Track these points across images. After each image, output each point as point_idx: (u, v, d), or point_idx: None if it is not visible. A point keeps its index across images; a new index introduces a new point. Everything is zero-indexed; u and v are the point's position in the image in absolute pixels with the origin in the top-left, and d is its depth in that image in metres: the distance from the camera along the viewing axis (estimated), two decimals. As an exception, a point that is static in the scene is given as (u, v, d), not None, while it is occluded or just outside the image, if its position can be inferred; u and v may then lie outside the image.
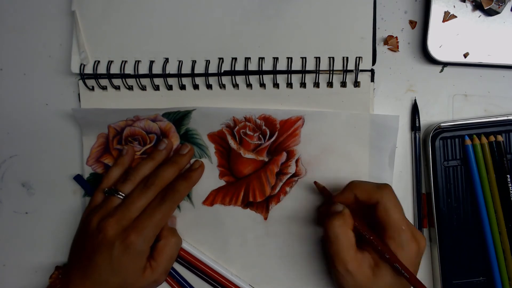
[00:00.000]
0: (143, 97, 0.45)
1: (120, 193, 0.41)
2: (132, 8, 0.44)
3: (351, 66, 0.42)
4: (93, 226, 0.39)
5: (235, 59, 0.44)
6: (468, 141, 0.43)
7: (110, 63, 0.44)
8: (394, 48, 0.45)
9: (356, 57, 0.42)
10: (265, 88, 0.44)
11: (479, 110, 0.45)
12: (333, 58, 0.43)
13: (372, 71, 0.43)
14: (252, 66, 0.43)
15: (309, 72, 0.43)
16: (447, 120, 0.44)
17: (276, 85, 0.44)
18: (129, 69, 0.44)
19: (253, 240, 0.45)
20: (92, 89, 0.45)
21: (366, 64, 0.42)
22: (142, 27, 0.44)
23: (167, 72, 0.44)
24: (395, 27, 0.45)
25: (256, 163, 0.44)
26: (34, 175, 0.47)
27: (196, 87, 0.44)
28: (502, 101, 0.44)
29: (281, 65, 0.43)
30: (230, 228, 0.45)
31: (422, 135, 0.45)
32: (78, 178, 0.46)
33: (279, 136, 0.44)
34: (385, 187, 0.37)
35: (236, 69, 0.43)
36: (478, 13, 0.43)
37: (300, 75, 0.43)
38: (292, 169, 0.44)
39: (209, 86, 0.44)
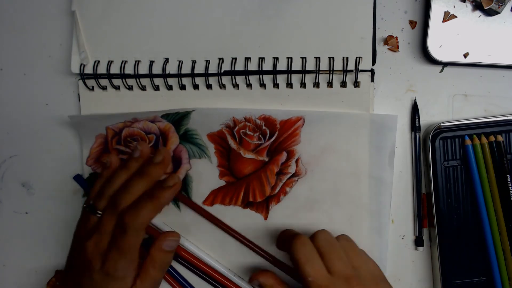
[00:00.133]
0: (143, 97, 0.45)
1: (98, 211, 0.38)
2: (132, 8, 0.44)
3: (351, 66, 0.42)
4: (76, 245, 0.38)
5: (235, 59, 0.44)
6: (468, 141, 0.43)
7: (110, 63, 0.44)
8: (394, 48, 0.45)
9: (356, 57, 0.42)
10: (265, 88, 0.44)
11: (479, 110, 0.45)
12: (333, 58, 0.43)
13: (372, 71, 0.43)
14: (252, 66, 0.43)
15: (309, 72, 0.43)
16: (447, 120, 0.44)
17: (276, 85, 0.44)
18: (129, 69, 0.44)
19: (253, 240, 0.45)
20: (92, 89, 0.45)
21: (366, 64, 0.42)
22: (142, 27, 0.44)
23: (167, 72, 0.44)
24: (395, 27, 0.45)
25: (256, 163, 0.44)
26: (34, 175, 0.47)
27: (196, 87, 0.44)
28: (502, 101, 0.44)
29: (281, 65, 0.43)
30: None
31: (422, 135, 0.45)
32: (77, 178, 0.46)
33: (279, 136, 0.44)
34: (297, 238, 0.37)
35: (236, 69, 0.43)
36: (478, 13, 0.43)
37: (300, 75, 0.43)
38: (292, 169, 0.44)
39: (209, 86, 0.44)
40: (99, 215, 0.38)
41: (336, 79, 0.43)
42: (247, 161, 0.44)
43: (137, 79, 0.44)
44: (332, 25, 0.43)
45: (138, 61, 0.44)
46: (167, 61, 0.44)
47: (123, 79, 0.44)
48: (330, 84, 0.43)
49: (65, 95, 0.47)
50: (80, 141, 0.46)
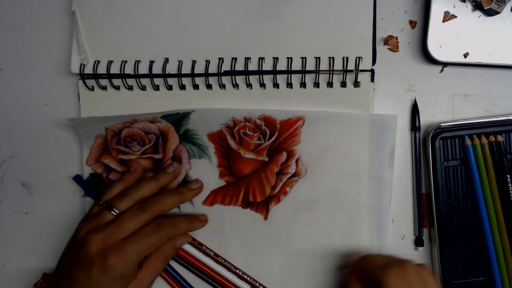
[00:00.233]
0: (143, 97, 0.45)
1: (115, 209, 0.39)
2: (132, 8, 0.44)
3: (351, 66, 0.42)
4: (80, 237, 0.38)
5: (235, 59, 0.44)
6: (468, 141, 0.43)
7: (110, 63, 0.44)
8: (394, 48, 0.45)
9: (356, 57, 0.42)
10: (265, 88, 0.44)
11: (479, 110, 0.45)
12: (333, 58, 0.43)
13: (372, 71, 0.43)
14: (252, 66, 0.43)
15: (309, 72, 0.43)
16: (447, 120, 0.44)
17: (276, 85, 0.44)
18: (129, 69, 0.44)
19: (253, 240, 0.45)
20: (92, 89, 0.45)
21: (366, 64, 0.42)
22: (142, 27, 0.44)
23: (167, 72, 0.44)
24: (395, 27, 0.45)
25: (256, 163, 0.44)
26: (34, 175, 0.47)
27: (196, 87, 0.44)
28: (502, 101, 0.44)
29: (281, 65, 0.43)
30: (230, 228, 0.45)
31: (422, 135, 0.45)
32: (77, 178, 0.46)
33: (279, 136, 0.44)
34: (391, 268, 0.34)
35: (236, 69, 0.43)
36: (478, 13, 0.43)
37: (300, 75, 0.43)
38: (292, 169, 0.44)
39: (209, 86, 0.44)
40: (114, 213, 0.39)
41: (336, 79, 0.43)
42: (247, 161, 0.44)
43: (137, 79, 0.44)
44: (332, 25, 0.43)
45: (138, 61, 0.44)
46: (167, 61, 0.44)
47: (123, 79, 0.44)
48: (330, 84, 0.43)
49: (65, 95, 0.46)
50: (80, 141, 0.46)
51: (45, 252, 0.47)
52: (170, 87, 0.44)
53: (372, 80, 0.43)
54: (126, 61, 0.44)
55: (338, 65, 0.43)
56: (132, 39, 0.44)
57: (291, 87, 0.44)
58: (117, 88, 0.45)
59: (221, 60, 0.44)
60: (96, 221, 0.39)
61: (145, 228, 0.39)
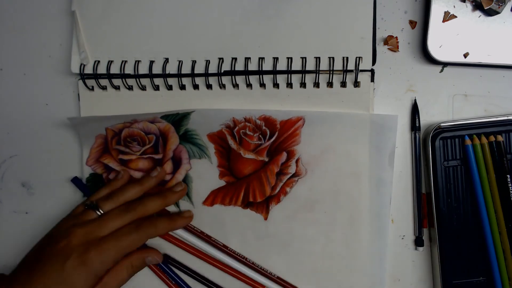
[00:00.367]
0: (143, 97, 0.45)
1: (100, 209, 0.40)
2: (132, 8, 0.44)
3: (351, 66, 0.42)
4: (61, 231, 0.38)
5: (235, 59, 0.44)
6: (468, 141, 0.43)
7: (110, 63, 0.44)
8: (394, 48, 0.45)
9: (356, 57, 0.42)
10: (265, 88, 0.44)
11: (479, 110, 0.45)
12: (333, 58, 0.43)
13: (372, 71, 0.43)
14: (252, 66, 0.43)
15: (309, 72, 0.43)
16: (447, 120, 0.44)
17: (276, 85, 0.44)
18: (129, 69, 0.44)
19: (253, 240, 0.45)
20: (92, 89, 0.45)
21: (366, 64, 0.42)
22: (142, 27, 0.44)
23: (167, 72, 0.44)
24: (395, 27, 0.45)
25: (256, 163, 0.44)
26: (34, 175, 0.47)
27: (196, 87, 0.44)
28: (502, 101, 0.44)
29: (281, 65, 0.43)
30: (230, 228, 0.45)
31: (422, 135, 0.45)
32: (75, 181, 0.46)
33: (279, 136, 0.44)
34: None
35: (236, 69, 0.43)
36: (478, 13, 0.43)
37: (300, 75, 0.43)
38: (292, 169, 0.44)
39: (209, 86, 0.44)
40: (99, 213, 0.40)
41: (336, 79, 0.43)
42: (247, 161, 0.44)
43: (137, 79, 0.44)
44: (332, 25, 0.43)
45: (138, 61, 0.44)
46: (167, 61, 0.44)
47: (123, 79, 0.44)
48: (330, 84, 0.43)
49: (65, 95, 0.46)
50: (80, 142, 0.46)
51: (45, 252, 0.47)
52: (170, 87, 0.44)
53: (372, 80, 0.43)
54: (126, 61, 0.44)
55: (338, 65, 0.43)
56: (132, 39, 0.44)
57: (291, 87, 0.44)
58: (117, 88, 0.45)
59: (221, 60, 0.44)
60: (80, 218, 0.39)
61: (125, 228, 0.39)
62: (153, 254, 0.42)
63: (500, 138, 0.42)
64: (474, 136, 0.43)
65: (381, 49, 0.45)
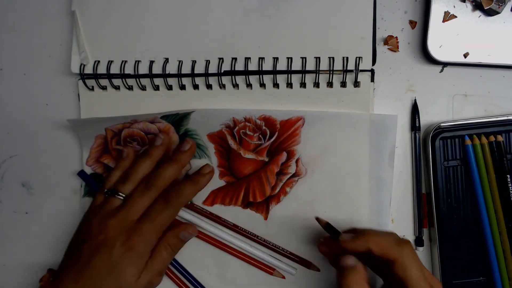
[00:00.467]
0: (143, 97, 0.45)
1: (120, 194, 0.40)
2: (132, 8, 0.44)
3: (351, 66, 0.42)
4: (94, 227, 0.38)
5: (235, 59, 0.44)
6: (468, 141, 0.43)
7: (110, 63, 0.44)
8: (394, 48, 0.45)
9: (356, 57, 0.42)
10: (265, 88, 0.44)
11: (479, 110, 0.45)
12: (333, 58, 0.43)
13: (372, 71, 0.43)
14: (252, 66, 0.43)
15: (309, 72, 0.43)
16: (447, 120, 0.44)
17: (276, 85, 0.44)
18: (129, 69, 0.44)
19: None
20: (92, 89, 0.45)
21: (366, 64, 0.42)
22: (142, 27, 0.44)
23: (167, 72, 0.44)
24: (395, 27, 0.45)
25: (256, 163, 0.44)
26: (34, 175, 0.47)
27: (196, 87, 0.44)
28: (502, 101, 0.44)
29: (281, 65, 0.43)
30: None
31: (422, 135, 0.45)
32: (81, 174, 0.45)
33: (279, 136, 0.44)
34: (404, 245, 0.35)
35: (236, 69, 0.43)
36: (478, 13, 0.43)
37: (300, 75, 0.43)
38: (292, 169, 0.44)
39: (209, 86, 0.44)
40: (121, 198, 0.40)
41: (336, 79, 0.43)
42: (247, 161, 0.44)
43: (137, 79, 0.44)
44: (332, 25, 0.43)
45: (138, 61, 0.44)
46: (167, 61, 0.44)
47: (123, 79, 0.44)
48: (330, 84, 0.43)
49: (65, 95, 0.47)
50: (80, 142, 0.46)
51: (45, 252, 0.47)
52: (170, 87, 0.44)
53: (372, 80, 0.43)
54: (126, 61, 0.44)
55: (338, 65, 0.43)
56: (132, 39, 0.44)
57: (291, 87, 0.44)
58: (117, 88, 0.45)
59: (221, 60, 0.44)
60: (106, 208, 0.39)
61: (156, 206, 0.39)
62: (186, 228, 0.42)
63: (500, 138, 0.42)
64: (474, 136, 0.43)
65: (381, 49, 0.45)
